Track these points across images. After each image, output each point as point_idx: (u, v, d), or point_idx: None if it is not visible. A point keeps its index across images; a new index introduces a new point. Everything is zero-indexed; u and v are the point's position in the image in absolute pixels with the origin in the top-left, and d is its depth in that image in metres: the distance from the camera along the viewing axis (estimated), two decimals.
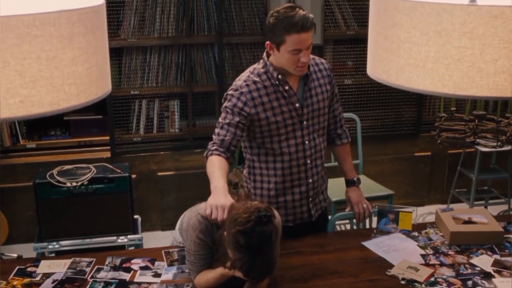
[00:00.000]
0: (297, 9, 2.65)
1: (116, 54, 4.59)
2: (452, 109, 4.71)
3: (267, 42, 2.73)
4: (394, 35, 1.80)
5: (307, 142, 2.88)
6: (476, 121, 4.63)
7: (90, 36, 1.68)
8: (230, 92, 2.82)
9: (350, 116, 4.50)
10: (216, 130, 2.79)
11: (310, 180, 2.93)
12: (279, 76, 2.78)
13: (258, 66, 2.85)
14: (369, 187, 4.37)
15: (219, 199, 2.41)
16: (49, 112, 1.60)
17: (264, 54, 2.84)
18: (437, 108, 5.15)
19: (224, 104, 2.81)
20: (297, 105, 2.82)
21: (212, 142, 2.77)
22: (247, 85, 2.80)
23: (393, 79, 1.85)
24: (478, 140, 4.66)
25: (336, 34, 4.84)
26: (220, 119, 2.81)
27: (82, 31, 1.65)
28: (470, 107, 4.78)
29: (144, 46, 4.61)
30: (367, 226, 3.21)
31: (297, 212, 2.96)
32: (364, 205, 3.07)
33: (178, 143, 4.84)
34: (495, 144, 4.61)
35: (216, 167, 2.64)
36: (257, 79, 2.81)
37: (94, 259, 2.74)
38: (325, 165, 3.08)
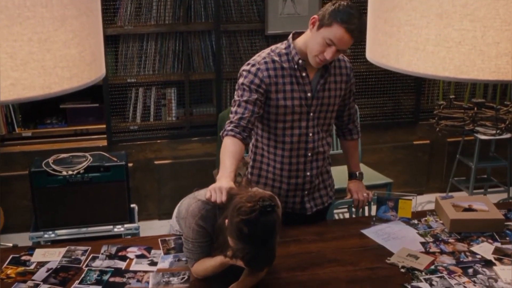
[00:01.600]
0: (361, 16, 2.60)
1: (112, 41, 4.55)
2: (451, 97, 4.68)
3: (315, 16, 2.66)
4: (394, 18, 1.76)
5: (311, 134, 2.83)
6: (475, 108, 4.59)
7: (83, 18, 1.64)
8: (246, 68, 2.76)
9: None
10: (233, 109, 2.71)
11: (308, 173, 2.88)
12: (300, 61, 2.73)
13: (280, 46, 2.80)
14: (368, 175, 4.32)
15: (219, 183, 2.38)
16: (41, 95, 1.56)
17: (290, 36, 2.79)
18: (435, 96, 5.12)
19: (240, 81, 2.74)
20: (308, 94, 2.77)
21: (229, 121, 2.69)
22: (266, 62, 2.75)
23: (393, 63, 1.81)
24: (477, 128, 4.63)
25: None
26: (236, 97, 2.74)
27: (75, 13, 1.61)
28: (469, 94, 4.75)
29: (140, 34, 4.57)
30: (366, 214, 3.18)
31: (289, 202, 2.91)
32: (364, 194, 3.05)
33: (175, 131, 4.81)
34: (494, 132, 4.58)
35: (227, 154, 2.59)
36: (276, 58, 2.76)
37: (90, 248, 2.71)
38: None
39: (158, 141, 4.77)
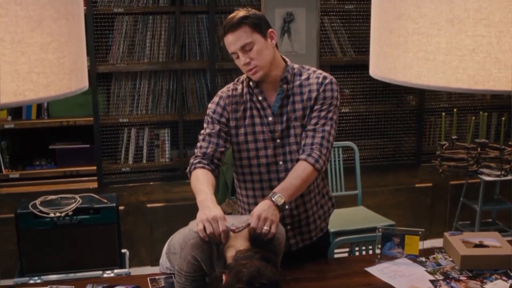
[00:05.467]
0: (238, 11, 2.52)
1: (104, 80, 4.44)
2: (453, 137, 4.54)
3: None
4: (401, 28, 1.62)
5: (281, 163, 2.63)
6: (479, 149, 4.45)
7: (62, 22, 1.50)
8: (212, 99, 2.69)
9: (348, 144, 4.33)
10: (198, 144, 2.64)
11: (286, 206, 2.60)
12: (250, 83, 2.61)
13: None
14: (369, 218, 4.18)
15: (209, 211, 2.22)
16: (14, 102, 1.41)
17: None
18: (437, 137, 5.00)
19: (206, 114, 2.68)
20: (270, 119, 2.60)
21: (194, 156, 2.62)
22: (228, 90, 2.66)
23: (400, 76, 1.67)
24: (481, 170, 4.48)
25: (332, 61, 4.71)
26: (202, 131, 2.66)
27: (53, 15, 1.46)
28: (471, 135, 4.61)
29: (133, 72, 4.46)
30: (370, 251, 3.00)
31: None
32: (265, 227, 2.33)
33: (169, 173, 4.65)
34: (499, 173, 4.43)
35: (200, 181, 2.48)
36: (239, 86, 2.66)
37: (73, 287, 2.52)
38: None
39: (151, 183, 4.61)
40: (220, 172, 4.04)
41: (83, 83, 1.63)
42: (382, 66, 1.75)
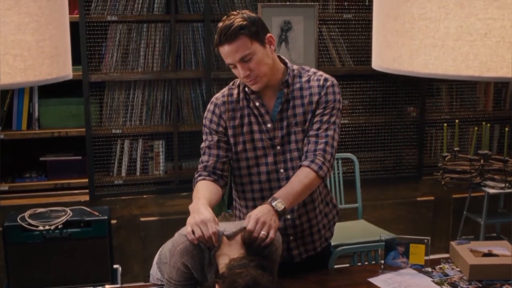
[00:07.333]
0: (232, 16, 2.39)
1: (97, 89, 4.33)
2: (455, 149, 4.42)
3: None
4: (406, 14, 1.52)
5: (282, 170, 2.51)
6: (482, 160, 4.34)
7: (43, 2, 1.39)
8: (207, 107, 2.57)
9: (347, 156, 4.22)
10: (200, 158, 2.54)
11: (289, 216, 2.52)
12: (246, 89, 2.49)
13: None
14: (370, 231, 4.04)
15: (198, 215, 2.11)
16: None
17: None
18: (439, 149, 4.90)
19: (203, 123, 2.57)
20: (268, 125, 2.48)
21: (196, 171, 2.53)
22: (223, 96, 2.54)
23: (406, 65, 1.56)
24: (485, 182, 4.36)
25: (331, 70, 4.60)
26: (202, 144, 2.55)
27: None
28: (474, 147, 4.50)
29: (127, 81, 4.35)
30: (373, 261, 2.87)
31: None
32: (263, 232, 2.19)
33: (163, 186, 4.53)
34: (503, 185, 4.31)
35: (197, 191, 2.39)
36: (235, 91, 2.54)
37: None
38: None
39: (145, 196, 4.48)
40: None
41: (65, 71, 1.51)
42: (386, 56, 1.65)
